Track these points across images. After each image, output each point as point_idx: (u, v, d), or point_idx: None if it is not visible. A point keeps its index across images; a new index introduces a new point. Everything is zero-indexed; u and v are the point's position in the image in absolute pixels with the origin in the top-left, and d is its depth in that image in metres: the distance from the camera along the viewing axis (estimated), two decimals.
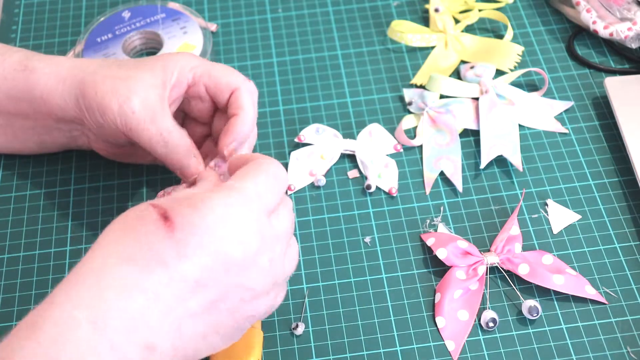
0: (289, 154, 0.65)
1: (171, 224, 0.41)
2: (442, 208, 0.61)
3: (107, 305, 0.39)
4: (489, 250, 0.57)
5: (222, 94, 0.56)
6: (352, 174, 0.63)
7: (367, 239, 0.59)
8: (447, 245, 0.57)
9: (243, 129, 0.54)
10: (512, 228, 0.58)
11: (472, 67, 0.69)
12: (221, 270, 0.42)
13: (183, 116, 0.60)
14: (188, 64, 0.56)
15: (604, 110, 0.67)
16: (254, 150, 0.61)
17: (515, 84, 0.69)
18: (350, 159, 0.64)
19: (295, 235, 0.60)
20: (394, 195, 0.62)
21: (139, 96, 0.54)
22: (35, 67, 0.57)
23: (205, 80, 0.56)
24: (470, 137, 0.65)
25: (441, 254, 0.56)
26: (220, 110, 0.58)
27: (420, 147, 0.65)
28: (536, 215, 0.60)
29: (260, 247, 0.44)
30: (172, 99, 0.56)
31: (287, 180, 0.48)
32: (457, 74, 0.70)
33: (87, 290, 0.40)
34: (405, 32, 0.71)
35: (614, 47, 0.71)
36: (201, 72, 0.56)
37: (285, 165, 0.64)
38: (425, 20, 0.75)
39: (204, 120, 0.59)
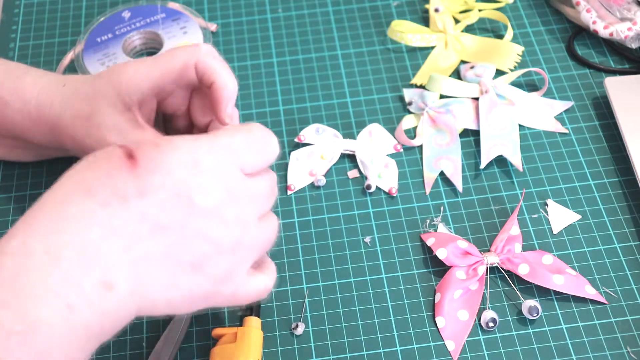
0: (289, 154, 0.65)
1: (135, 162, 0.41)
2: (442, 208, 0.61)
3: (62, 235, 0.39)
4: (489, 250, 0.57)
5: (189, 76, 0.53)
6: (352, 174, 0.63)
7: (367, 239, 0.59)
8: (447, 245, 0.57)
9: (228, 90, 0.52)
10: (512, 228, 0.58)
11: (472, 67, 0.69)
12: (182, 213, 0.41)
13: (162, 117, 0.59)
14: (137, 75, 0.53)
15: (604, 110, 0.67)
16: None
17: (515, 84, 0.69)
18: (350, 159, 0.64)
19: (295, 235, 0.60)
20: (394, 195, 0.62)
21: (112, 132, 0.53)
22: (8, 101, 0.57)
23: (168, 78, 0.53)
24: (470, 137, 0.65)
25: (441, 254, 0.56)
26: (194, 95, 0.56)
27: (420, 147, 0.65)
28: (536, 215, 0.60)
29: (225, 198, 0.42)
30: (148, 111, 0.55)
31: (275, 147, 0.46)
32: (457, 74, 0.70)
33: (44, 220, 0.39)
34: (405, 32, 0.71)
35: (614, 47, 0.71)
36: (157, 76, 0.53)
37: (285, 166, 0.64)
38: (425, 20, 0.75)
39: (181, 112, 0.57)
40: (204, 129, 0.56)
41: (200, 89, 0.55)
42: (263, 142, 0.46)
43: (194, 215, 0.41)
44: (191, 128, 0.58)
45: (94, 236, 0.39)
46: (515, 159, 0.63)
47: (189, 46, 0.54)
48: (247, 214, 0.44)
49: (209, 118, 0.56)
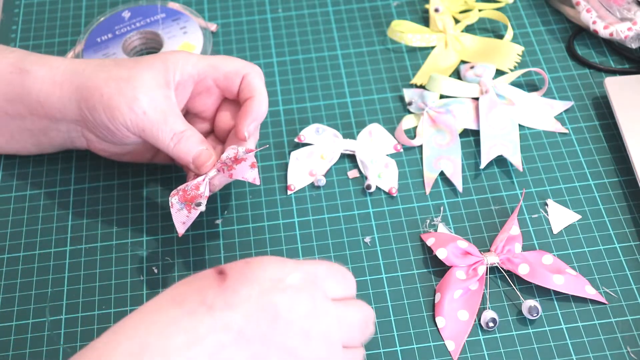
0: (289, 154, 0.65)
1: (224, 276, 0.43)
2: (442, 208, 0.61)
3: (146, 339, 0.40)
4: (489, 250, 0.57)
5: (233, 82, 0.57)
6: (352, 174, 0.63)
7: (367, 239, 0.59)
8: (447, 245, 0.57)
9: (260, 109, 0.56)
10: (512, 228, 0.58)
11: (472, 67, 0.69)
12: (266, 325, 0.42)
13: (185, 113, 0.60)
14: (188, 62, 0.57)
15: (604, 110, 0.67)
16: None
17: (515, 84, 0.69)
18: (350, 159, 0.64)
19: (295, 235, 0.60)
20: (394, 195, 0.62)
21: (146, 96, 0.55)
22: (30, 71, 0.58)
23: (213, 74, 0.57)
24: (470, 137, 0.65)
25: (441, 254, 0.56)
26: (225, 104, 0.59)
27: (420, 147, 0.65)
28: (536, 215, 0.60)
29: (310, 313, 0.43)
30: (180, 99, 0.57)
31: (353, 281, 0.47)
32: (457, 74, 0.70)
33: (133, 324, 0.41)
34: (405, 32, 0.72)
35: (614, 47, 0.71)
36: (205, 66, 0.57)
37: (285, 166, 0.64)
38: (425, 20, 0.75)
39: (206, 115, 0.60)
40: (222, 138, 0.59)
41: (231, 101, 0.59)
42: (342, 275, 0.47)
43: (279, 328, 0.42)
44: (208, 134, 0.61)
45: (178, 342, 0.40)
46: (515, 159, 0.63)
47: (244, 61, 0.58)
48: (333, 336, 0.44)
49: (231, 127, 0.59)
